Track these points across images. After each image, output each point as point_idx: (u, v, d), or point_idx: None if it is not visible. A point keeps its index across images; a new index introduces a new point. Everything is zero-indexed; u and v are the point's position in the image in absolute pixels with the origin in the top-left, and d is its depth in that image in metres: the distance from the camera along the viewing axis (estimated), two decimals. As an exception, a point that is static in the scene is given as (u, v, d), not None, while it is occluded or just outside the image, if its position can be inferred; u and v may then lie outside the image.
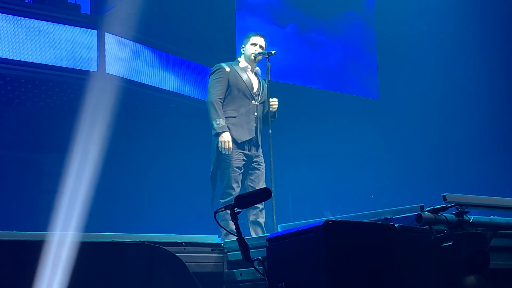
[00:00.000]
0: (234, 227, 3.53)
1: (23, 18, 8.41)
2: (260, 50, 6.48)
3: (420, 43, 11.98)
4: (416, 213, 4.50)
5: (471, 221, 4.57)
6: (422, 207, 4.59)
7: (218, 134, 6.19)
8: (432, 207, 4.56)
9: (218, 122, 6.19)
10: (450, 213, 4.61)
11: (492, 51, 11.52)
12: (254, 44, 6.50)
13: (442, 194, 4.61)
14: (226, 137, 6.17)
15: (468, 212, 4.64)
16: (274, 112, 6.53)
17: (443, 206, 4.55)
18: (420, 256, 4.05)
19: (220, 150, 6.19)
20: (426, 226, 4.44)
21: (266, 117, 6.56)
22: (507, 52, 11.57)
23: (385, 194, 11.90)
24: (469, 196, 4.96)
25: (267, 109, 6.54)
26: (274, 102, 6.49)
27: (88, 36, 8.88)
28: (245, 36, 6.63)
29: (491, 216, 4.94)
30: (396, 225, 3.98)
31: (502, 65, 11.57)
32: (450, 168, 12.18)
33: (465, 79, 11.65)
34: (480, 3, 11.52)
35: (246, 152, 6.34)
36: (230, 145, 6.18)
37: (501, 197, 5.66)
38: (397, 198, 10.67)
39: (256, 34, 6.58)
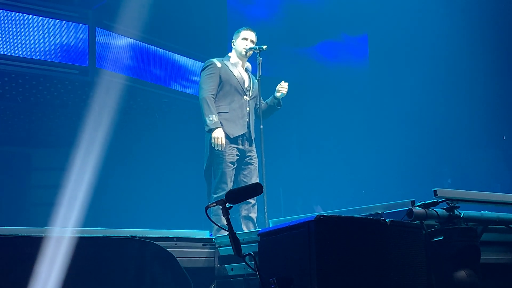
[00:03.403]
0: (225, 222, 3.53)
1: (13, 12, 8.36)
2: (251, 45, 6.47)
3: (413, 37, 11.99)
4: (407, 208, 4.51)
5: (462, 216, 4.59)
6: (413, 202, 4.61)
7: (211, 131, 6.18)
8: (423, 202, 4.58)
9: (211, 118, 6.18)
10: (441, 208, 4.62)
11: (485, 47, 11.54)
12: (245, 39, 6.49)
13: (433, 189, 4.63)
14: (218, 134, 6.16)
15: (459, 207, 4.66)
16: (279, 100, 6.52)
17: (434, 201, 4.57)
18: (411, 250, 4.06)
19: (213, 146, 6.18)
20: (417, 221, 4.45)
21: (270, 108, 6.55)
22: (500, 48, 11.59)
23: (376, 189, 11.92)
24: (460, 191, 4.97)
25: (268, 100, 6.54)
26: (283, 86, 6.47)
27: (79, 31, 8.84)
28: (235, 31, 6.61)
29: (482, 211, 4.96)
30: (387, 220, 3.99)
31: (495, 60, 11.58)
32: (441, 163, 12.21)
33: (457, 74, 11.67)
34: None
35: (239, 147, 6.34)
36: (223, 141, 6.17)
37: (491, 192, 5.68)
38: (388, 193, 10.69)
39: (247, 29, 6.56)
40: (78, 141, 8.04)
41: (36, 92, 9.09)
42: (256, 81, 6.52)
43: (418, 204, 4.57)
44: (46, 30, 8.60)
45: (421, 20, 11.90)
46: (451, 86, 11.75)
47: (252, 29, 6.59)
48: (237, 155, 6.32)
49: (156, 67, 9.96)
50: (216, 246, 5.58)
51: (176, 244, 5.36)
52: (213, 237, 5.65)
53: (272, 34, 11.19)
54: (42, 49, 8.53)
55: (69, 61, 8.74)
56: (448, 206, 4.62)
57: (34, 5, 8.55)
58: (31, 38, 8.46)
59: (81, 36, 8.85)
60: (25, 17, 8.43)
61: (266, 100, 6.59)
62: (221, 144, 6.16)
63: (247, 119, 6.40)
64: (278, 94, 6.50)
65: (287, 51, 11.68)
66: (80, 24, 8.85)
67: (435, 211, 4.54)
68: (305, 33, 12.09)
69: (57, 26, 8.67)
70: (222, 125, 6.24)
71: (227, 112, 6.32)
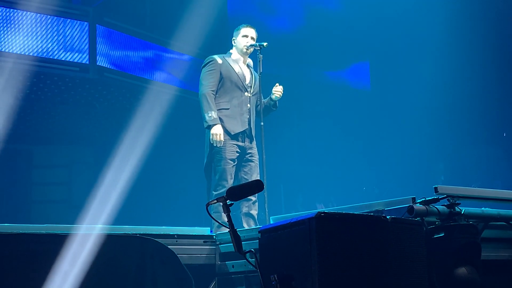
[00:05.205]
0: (226, 219, 3.53)
1: (13, 9, 8.36)
2: (252, 42, 6.46)
3: (412, 34, 11.99)
4: (407, 205, 4.52)
5: (462, 212, 4.60)
6: (413, 199, 4.61)
7: (209, 127, 6.18)
8: (423, 199, 4.58)
9: (210, 115, 6.18)
10: (442, 205, 4.62)
11: (484, 44, 11.54)
12: (246, 36, 6.48)
13: (433, 186, 4.63)
14: (217, 130, 6.16)
15: (460, 203, 4.66)
16: (275, 102, 6.54)
17: (434, 198, 4.57)
18: (412, 247, 4.06)
19: (212, 142, 6.18)
20: (417, 218, 4.45)
21: (265, 108, 6.56)
22: (499, 45, 11.59)
23: (377, 186, 11.92)
24: (461, 188, 4.98)
25: (264, 100, 6.56)
26: (278, 90, 6.48)
27: (80, 28, 8.84)
28: (235, 29, 6.61)
29: (483, 208, 4.96)
30: (388, 217, 3.98)
31: (494, 58, 11.59)
32: (442, 160, 12.22)
33: (457, 71, 11.67)
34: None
35: (240, 143, 6.33)
36: (222, 137, 6.17)
37: (492, 189, 5.68)
38: (389, 190, 10.69)
39: (247, 26, 6.56)
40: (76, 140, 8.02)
41: (36, 90, 9.09)
42: (258, 77, 6.51)
43: (418, 201, 4.58)
44: (47, 27, 8.59)
45: (422, 14, 11.90)
46: (451, 84, 11.76)
47: (252, 26, 6.58)
48: (237, 152, 6.32)
49: (156, 64, 9.96)
50: (217, 243, 5.58)
51: (177, 241, 5.36)
52: (214, 234, 5.66)
53: (277, 37, 11.23)
54: (43, 46, 8.52)
55: (70, 58, 8.74)
56: (449, 202, 4.62)
57: (35, 2, 8.54)
58: (32, 35, 8.46)
59: (82, 33, 8.85)
60: (26, 15, 8.43)
61: (263, 100, 6.60)
62: (219, 141, 6.16)
63: (248, 116, 6.40)
64: (273, 97, 6.51)
65: (290, 53, 11.68)
66: (81, 22, 8.84)
67: (436, 208, 4.55)
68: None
69: (58, 23, 8.67)
70: (222, 121, 6.24)
71: (228, 109, 6.32)
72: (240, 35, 6.49)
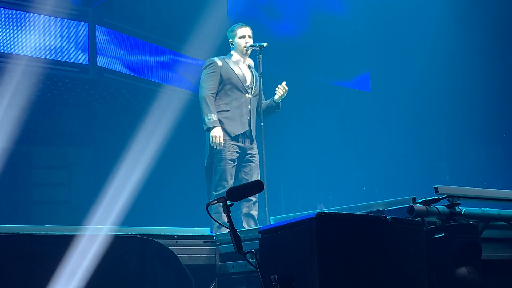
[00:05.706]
0: (226, 220, 3.53)
1: (13, 10, 8.35)
2: (251, 41, 6.46)
3: (413, 34, 11.99)
4: (408, 205, 4.52)
5: (463, 212, 4.60)
6: (414, 199, 4.61)
7: (209, 129, 6.19)
8: (424, 199, 4.58)
9: (209, 117, 6.19)
10: (442, 205, 4.62)
11: (485, 43, 11.55)
12: (243, 37, 6.47)
13: (434, 186, 4.62)
14: (216, 132, 6.17)
15: (460, 203, 4.66)
16: (278, 103, 6.52)
17: (435, 198, 4.57)
18: (412, 247, 4.06)
19: (212, 145, 6.19)
20: (418, 218, 4.45)
21: (268, 109, 6.54)
22: (500, 45, 11.60)
23: (377, 186, 11.91)
24: (461, 188, 4.98)
25: (267, 101, 6.54)
26: (279, 87, 6.45)
27: (79, 29, 8.83)
28: (229, 30, 6.59)
29: (483, 208, 4.96)
30: (388, 217, 3.98)
31: (495, 58, 11.59)
32: (442, 160, 12.22)
33: (457, 71, 11.67)
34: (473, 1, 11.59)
35: (240, 144, 6.34)
36: (221, 140, 6.18)
37: (492, 189, 5.68)
38: (389, 190, 10.68)
39: (241, 26, 6.55)
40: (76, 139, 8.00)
41: (36, 90, 9.08)
42: (258, 78, 6.50)
43: (419, 201, 4.58)
44: (46, 28, 8.58)
45: (422, 15, 11.91)
46: (451, 83, 11.76)
47: (246, 25, 6.57)
48: (237, 152, 6.32)
49: (156, 65, 9.95)
50: (217, 243, 5.58)
51: (177, 241, 5.36)
52: (214, 235, 5.66)
53: (275, 38, 11.21)
54: (42, 47, 8.51)
55: (69, 59, 8.73)
56: (449, 203, 4.62)
57: (34, 3, 8.53)
58: (31, 36, 8.44)
59: (81, 34, 8.84)
60: (25, 15, 8.42)
61: (266, 101, 6.59)
62: (219, 143, 6.17)
63: (248, 117, 6.40)
64: (276, 97, 6.51)
65: (290, 54, 11.68)
66: (80, 22, 8.84)
67: (436, 208, 4.55)
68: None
69: (57, 24, 8.66)
70: (222, 123, 6.25)
71: (228, 111, 6.33)
72: (237, 37, 6.48)
